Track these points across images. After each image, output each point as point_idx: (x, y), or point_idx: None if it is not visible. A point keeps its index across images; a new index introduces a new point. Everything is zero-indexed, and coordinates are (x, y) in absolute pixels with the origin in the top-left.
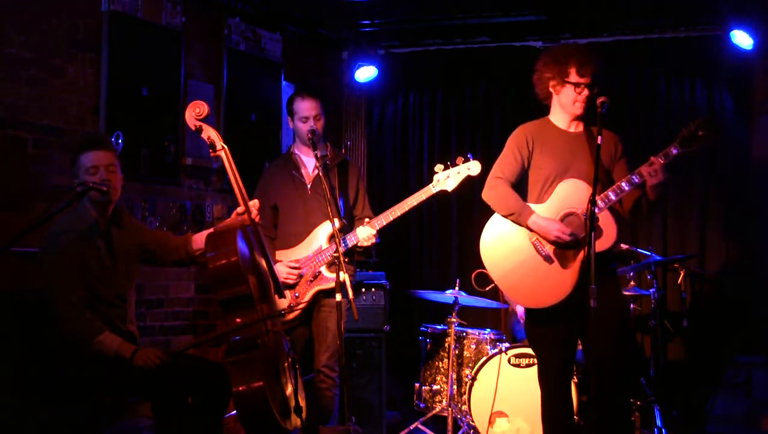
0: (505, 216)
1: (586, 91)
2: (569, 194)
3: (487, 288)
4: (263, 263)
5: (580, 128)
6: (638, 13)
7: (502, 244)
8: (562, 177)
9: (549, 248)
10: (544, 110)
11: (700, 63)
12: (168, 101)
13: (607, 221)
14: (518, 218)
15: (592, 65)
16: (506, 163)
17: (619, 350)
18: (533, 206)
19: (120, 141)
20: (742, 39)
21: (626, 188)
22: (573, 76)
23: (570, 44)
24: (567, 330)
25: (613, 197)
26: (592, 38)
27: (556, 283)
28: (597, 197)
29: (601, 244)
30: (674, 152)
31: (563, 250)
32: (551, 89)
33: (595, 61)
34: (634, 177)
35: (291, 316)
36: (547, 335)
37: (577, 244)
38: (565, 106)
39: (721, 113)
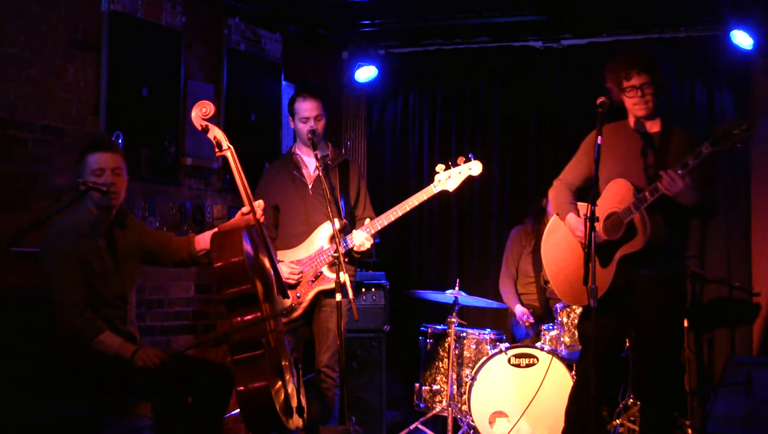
0: (556, 215)
1: (638, 93)
2: (613, 194)
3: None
4: (267, 263)
5: (656, 127)
6: (638, 13)
7: (558, 244)
8: (620, 178)
9: None
10: (543, 110)
11: (700, 63)
12: (168, 101)
13: (640, 223)
14: (561, 217)
15: (634, 67)
16: (571, 165)
17: (662, 354)
18: (583, 206)
19: (120, 141)
20: (742, 39)
21: (650, 197)
22: (623, 83)
23: (626, 50)
24: (611, 328)
25: (649, 197)
26: (592, 38)
27: (595, 280)
28: (633, 199)
29: (632, 246)
30: (705, 151)
31: (603, 249)
32: (619, 98)
33: (636, 63)
34: (657, 184)
35: (293, 315)
36: (589, 329)
37: (617, 244)
38: (630, 110)
39: (721, 113)
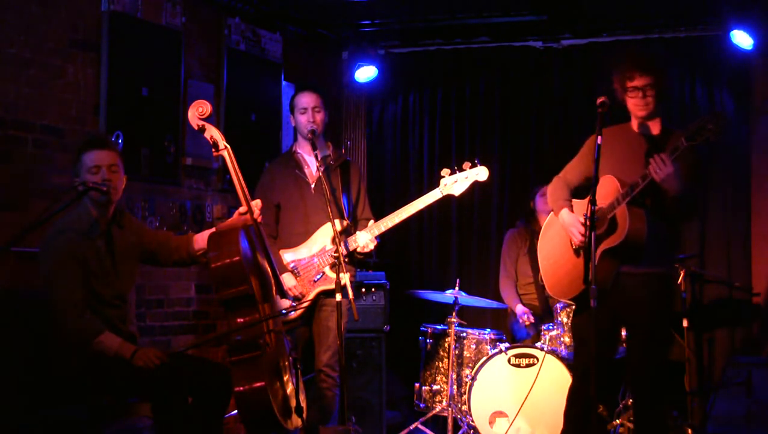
0: (552, 210)
1: (639, 94)
2: (601, 190)
3: None
4: (265, 263)
5: (656, 129)
6: (638, 13)
7: (551, 239)
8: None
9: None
10: (543, 110)
11: (700, 63)
12: (168, 101)
13: (621, 217)
14: (555, 212)
15: (637, 69)
16: (572, 164)
17: (646, 351)
18: (574, 201)
19: (120, 141)
20: (742, 39)
21: (640, 183)
22: (626, 83)
23: (630, 51)
24: (601, 325)
25: (631, 191)
26: (592, 38)
27: (579, 275)
28: (617, 194)
29: (612, 240)
30: (682, 145)
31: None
32: (623, 99)
33: (639, 64)
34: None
35: (293, 316)
36: (579, 326)
37: (599, 239)
38: (631, 111)
39: (721, 112)
